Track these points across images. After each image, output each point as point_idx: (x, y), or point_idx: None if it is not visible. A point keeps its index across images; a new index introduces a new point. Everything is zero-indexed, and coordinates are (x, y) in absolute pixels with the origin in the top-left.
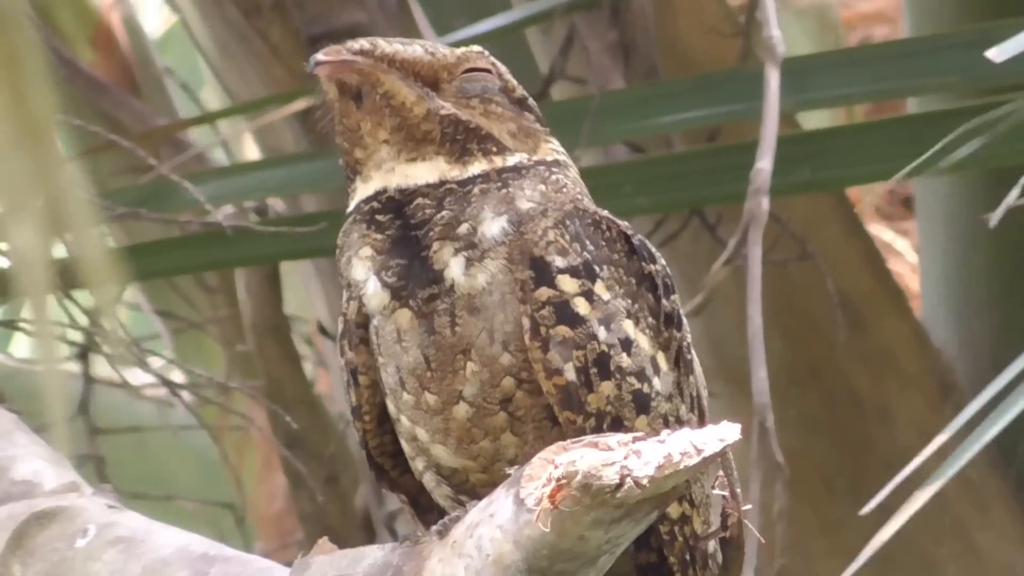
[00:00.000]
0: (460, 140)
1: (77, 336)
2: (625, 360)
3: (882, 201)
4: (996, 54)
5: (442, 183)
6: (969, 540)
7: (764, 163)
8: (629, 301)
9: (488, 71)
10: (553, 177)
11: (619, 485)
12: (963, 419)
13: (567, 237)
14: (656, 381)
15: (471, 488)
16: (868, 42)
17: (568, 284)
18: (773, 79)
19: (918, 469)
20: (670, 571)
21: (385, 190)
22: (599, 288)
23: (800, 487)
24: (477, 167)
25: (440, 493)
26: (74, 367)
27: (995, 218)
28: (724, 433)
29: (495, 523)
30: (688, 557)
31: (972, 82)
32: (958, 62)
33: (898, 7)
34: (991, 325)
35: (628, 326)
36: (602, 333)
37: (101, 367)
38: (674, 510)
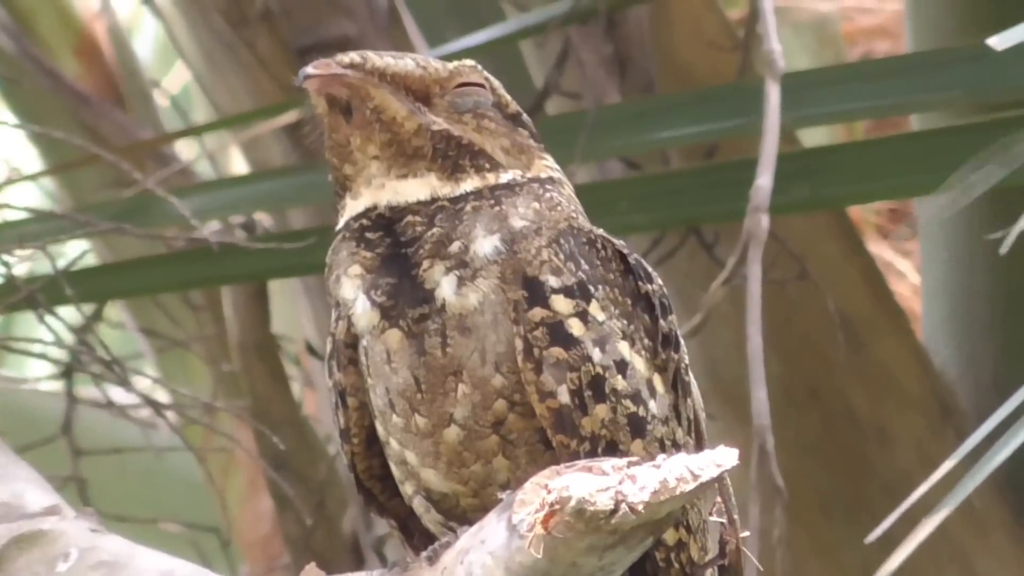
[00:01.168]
0: (452, 156)
1: (60, 354)
2: (620, 382)
3: (883, 220)
4: (998, 42)
5: (433, 200)
6: (970, 567)
7: (764, 180)
8: (625, 322)
9: (481, 86)
10: (547, 194)
11: (614, 511)
12: (969, 446)
13: (561, 256)
14: (652, 404)
15: (462, 513)
16: (869, 57)
17: (562, 304)
18: (773, 94)
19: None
20: None
21: (375, 207)
22: (594, 308)
23: (796, 510)
24: (469, 184)
25: (430, 518)
26: (57, 386)
27: (1007, 244)
28: (721, 458)
29: (486, 549)
30: None
31: (976, 98)
32: (961, 77)
33: (900, 21)
34: (993, 347)
35: (623, 347)
36: (597, 355)
37: (84, 386)
38: (670, 536)
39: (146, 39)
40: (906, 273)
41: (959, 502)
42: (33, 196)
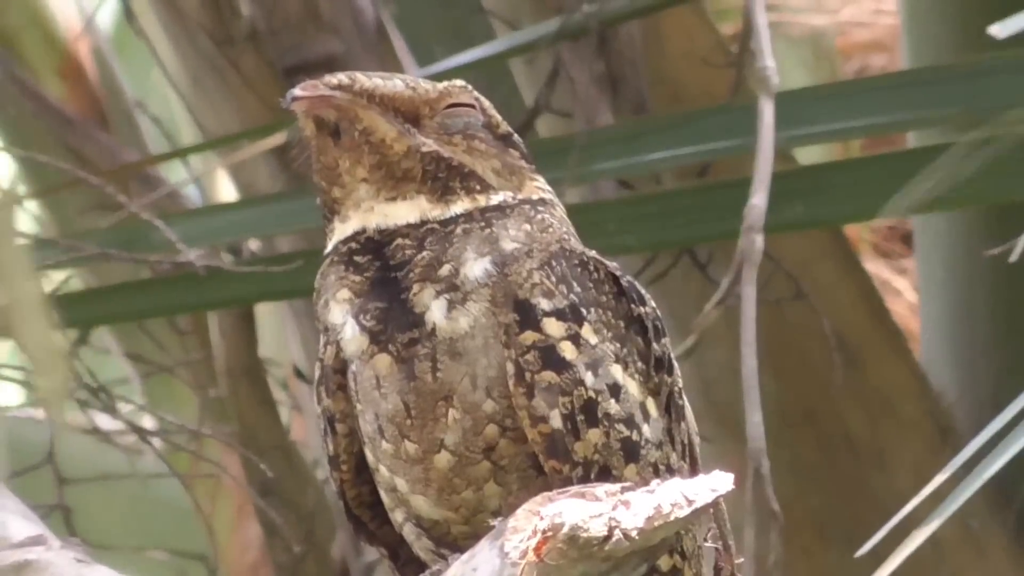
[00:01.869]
0: (442, 178)
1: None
2: (613, 406)
3: (880, 238)
4: (999, 30)
5: (423, 223)
6: None
7: (758, 199)
8: (618, 345)
9: (471, 106)
10: (539, 216)
11: (607, 537)
12: (961, 459)
13: (553, 279)
14: (645, 428)
15: (453, 540)
16: (865, 72)
17: (554, 327)
18: (767, 112)
19: (915, 514)
20: None
21: (364, 230)
22: (586, 332)
23: (792, 534)
24: (460, 206)
25: (421, 546)
26: (41, 413)
27: (1016, 253)
28: (716, 483)
29: None
30: None
31: (974, 114)
32: (959, 94)
33: (896, 36)
34: (993, 367)
35: (616, 371)
36: (589, 378)
37: (69, 413)
38: (664, 563)
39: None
40: (903, 292)
41: (952, 515)
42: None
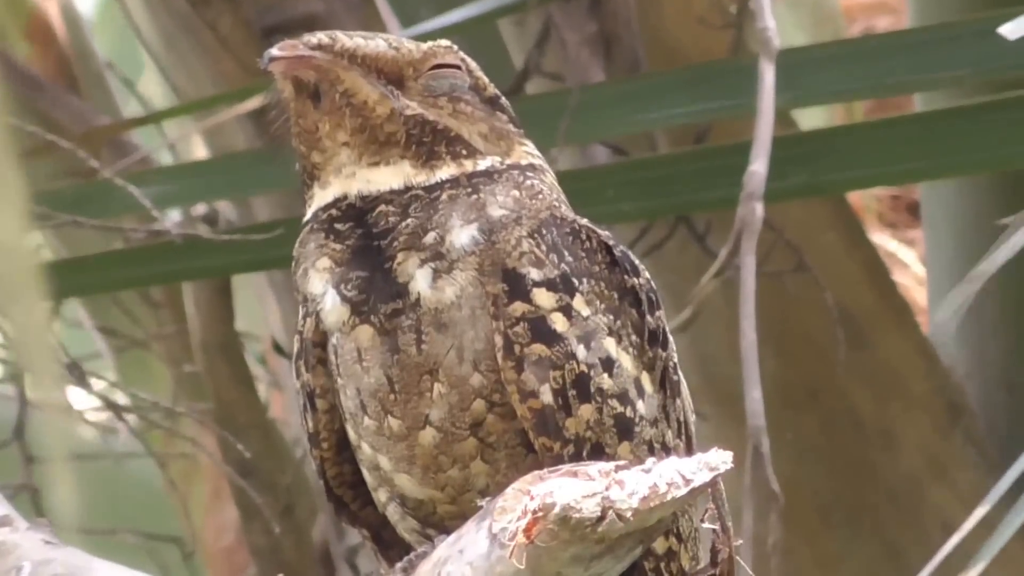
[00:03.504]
0: (427, 142)
1: (12, 355)
2: (606, 381)
3: (886, 207)
4: (1010, 31)
5: (407, 189)
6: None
7: (758, 166)
8: (611, 317)
9: (457, 67)
10: (528, 182)
11: (600, 518)
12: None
13: (543, 247)
14: (640, 404)
15: (439, 521)
16: (870, 33)
17: (544, 298)
18: (768, 74)
19: (925, 495)
20: None
21: (345, 197)
22: (578, 303)
23: (794, 518)
24: (445, 171)
25: (405, 527)
26: (8, 389)
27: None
28: (714, 461)
29: (465, 559)
30: None
31: (983, 76)
32: (967, 54)
33: None
34: (1003, 342)
35: (610, 344)
36: (581, 352)
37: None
38: (660, 545)
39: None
40: (910, 264)
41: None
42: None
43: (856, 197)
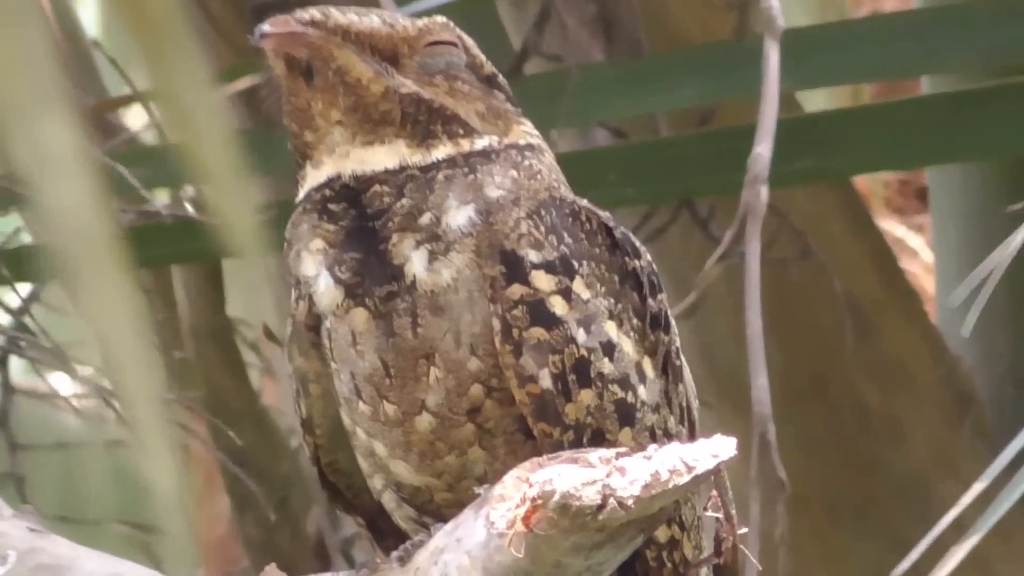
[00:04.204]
0: (422, 121)
1: None
2: (607, 366)
3: (893, 193)
4: None
5: (402, 169)
6: (990, 570)
7: (762, 149)
8: (611, 300)
9: (454, 44)
10: (526, 162)
11: (601, 506)
12: (1003, 462)
13: (542, 229)
14: (641, 390)
15: (436, 509)
16: (877, 14)
17: (543, 281)
18: (772, 55)
19: (933, 489)
20: None
21: (339, 176)
22: (578, 286)
23: (800, 512)
24: (441, 151)
25: (401, 515)
26: None
27: None
28: (718, 448)
29: (462, 548)
30: None
31: (992, 59)
32: (976, 37)
33: None
34: (1013, 332)
35: (610, 328)
36: (581, 336)
37: (22, 375)
38: (662, 534)
39: None
40: (918, 251)
41: (990, 526)
42: None
43: (863, 182)
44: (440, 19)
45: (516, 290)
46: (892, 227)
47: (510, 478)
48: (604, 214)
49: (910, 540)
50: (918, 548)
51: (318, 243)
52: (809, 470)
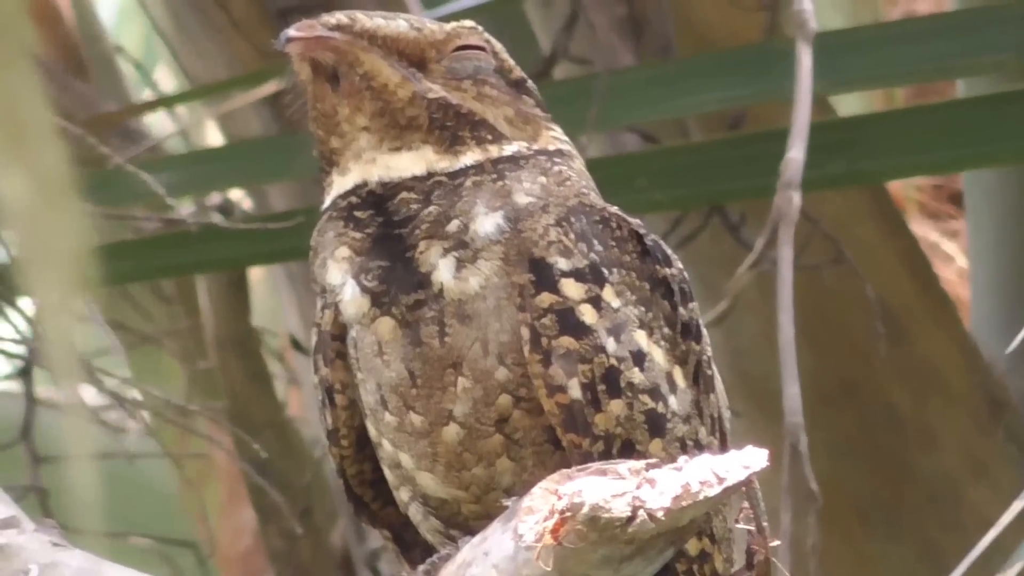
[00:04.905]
0: (450, 127)
1: (18, 351)
2: (637, 375)
3: (927, 197)
4: None
5: (430, 175)
6: None
7: (795, 153)
8: (642, 309)
9: (482, 49)
10: (555, 168)
11: (630, 518)
12: None
13: (571, 236)
14: (672, 400)
15: (463, 521)
16: (911, 16)
17: (572, 289)
18: (805, 58)
19: (966, 495)
20: None
21: (365, 183)
22: (608, 294)
23: (831, 518)
24: (469, 157)
25: (428, 527)
26: (15, 386)
27: None
28: (749, 459)
29: (490, 562)
30: None
31: None
32: (1011, 38)
33: None
34: None
35: (641, 337)
36: (611, 345)
37: (45, 386)
38: (692, 546)
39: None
40: (953, 256)
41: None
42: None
43: (896, 186)
44: (468, 23)
45: (545, 298)
46: (926, 232)
47: (538, 490)
48: (634, 221)
49: (942, 546)
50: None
51: (344, 251)
52: (840, 475)
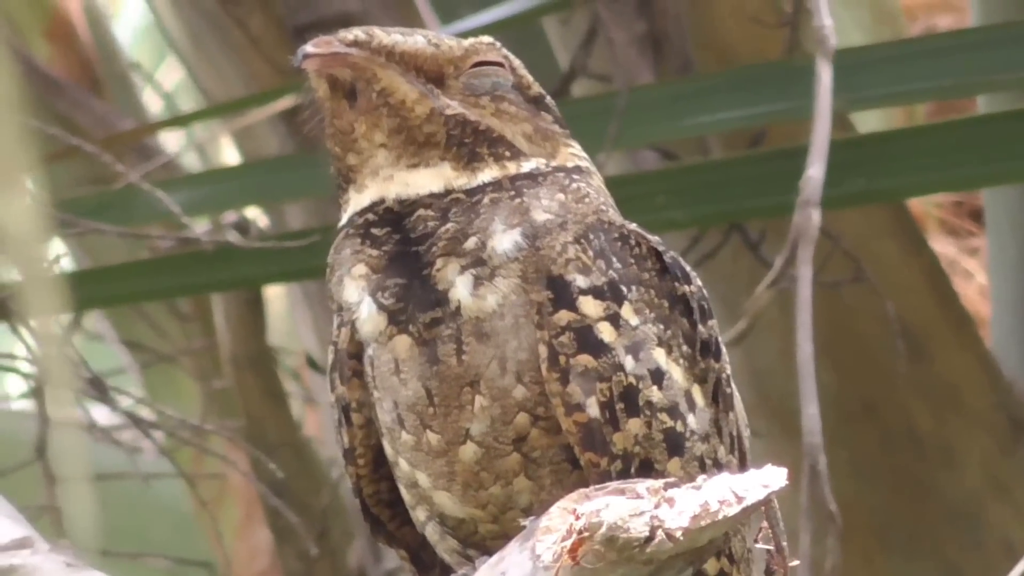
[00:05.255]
0: (468, 143)
1: (33, 370)
2: (656, 394)
3: (947, 214)
4: None
5: (447, 192)
6: None
7: (814, 171)
8: (661, 327)
9: (500, 65)
10: (574, 185)
11: (649, 538)
12: None
13: (590, 253)
14: (691, 418)
15: (480, 541)
16: (931, 32)
17: (591, 307)
18: (824, 75)
19: (986, 515)
20: None
21: (382, 200)
22: (626, 311)
23: (851, 538)
24: (487, 174)
25: (445, 547)
26: (29, 405)
27: None
28: (769, 479)
29: None
30: None
31: None
32: None
33: None
34: None
35: (659, 355)
36: (629, 363)
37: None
38: (711, 566)
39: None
40: (973, 273)
41: None
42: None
43: (916, 203)
44: (486, 39)
45: (563, 316)
46: (946, 249)
47: (556, 509)
48: (653, 238)
49: (962, 566)
50: None
51: (361, 268)
52: (860, 494)
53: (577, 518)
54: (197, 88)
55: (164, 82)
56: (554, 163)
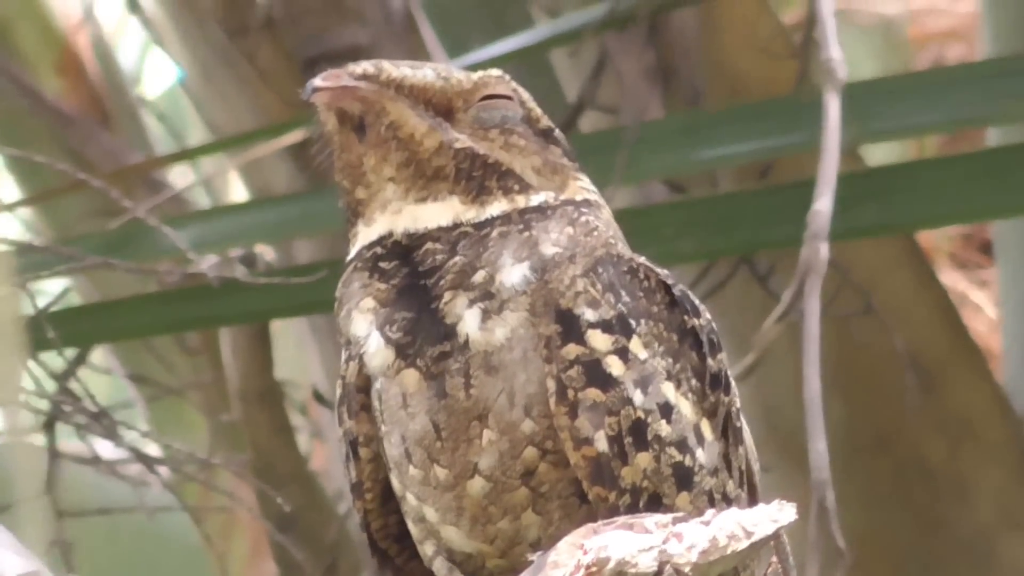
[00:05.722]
0: (477, 177)
1: (42, 404)
2: (664, 428)
3: (958, 247)
4: None
5: (456, 226)
6: None
7: (823, 204)
8: (670, 360)
9: (509, 98)
10: (583, 218)
11: (657, 573)
12: None
13: (599, 286)
14: (700, 452)
15: None
16: (941, 64)
17: (600, 340)
18: (833, 107)
19: (999, 549)
20: None
21: (391, 234)
22: (635, 345)
23: (865, 571)
24: (496, 207)
25: None
26: (38, 439)
27: None
28: (778, 513)
29: None
30: None
31: None
32: None
33: (974, 24)
34: None
35: (668, 389)
36: (638, 397)
37: (68, 440)
38: None
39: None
40: (983, 306)
41: None
42: (10, 227)
43: (926, 235)
44: (495, 72)
45: (572, 349)
46: (956, 282)
47: (564, 544)
48: (662, 271)
49: None
50: None
51: (369, 302)
52: (873, 527)
53: (585, 553)
54: (205, 121)
55: (172, 116)
56: (563, 196)
